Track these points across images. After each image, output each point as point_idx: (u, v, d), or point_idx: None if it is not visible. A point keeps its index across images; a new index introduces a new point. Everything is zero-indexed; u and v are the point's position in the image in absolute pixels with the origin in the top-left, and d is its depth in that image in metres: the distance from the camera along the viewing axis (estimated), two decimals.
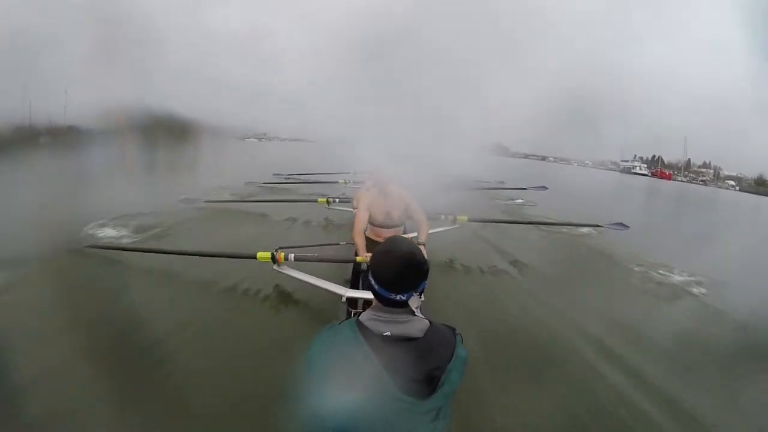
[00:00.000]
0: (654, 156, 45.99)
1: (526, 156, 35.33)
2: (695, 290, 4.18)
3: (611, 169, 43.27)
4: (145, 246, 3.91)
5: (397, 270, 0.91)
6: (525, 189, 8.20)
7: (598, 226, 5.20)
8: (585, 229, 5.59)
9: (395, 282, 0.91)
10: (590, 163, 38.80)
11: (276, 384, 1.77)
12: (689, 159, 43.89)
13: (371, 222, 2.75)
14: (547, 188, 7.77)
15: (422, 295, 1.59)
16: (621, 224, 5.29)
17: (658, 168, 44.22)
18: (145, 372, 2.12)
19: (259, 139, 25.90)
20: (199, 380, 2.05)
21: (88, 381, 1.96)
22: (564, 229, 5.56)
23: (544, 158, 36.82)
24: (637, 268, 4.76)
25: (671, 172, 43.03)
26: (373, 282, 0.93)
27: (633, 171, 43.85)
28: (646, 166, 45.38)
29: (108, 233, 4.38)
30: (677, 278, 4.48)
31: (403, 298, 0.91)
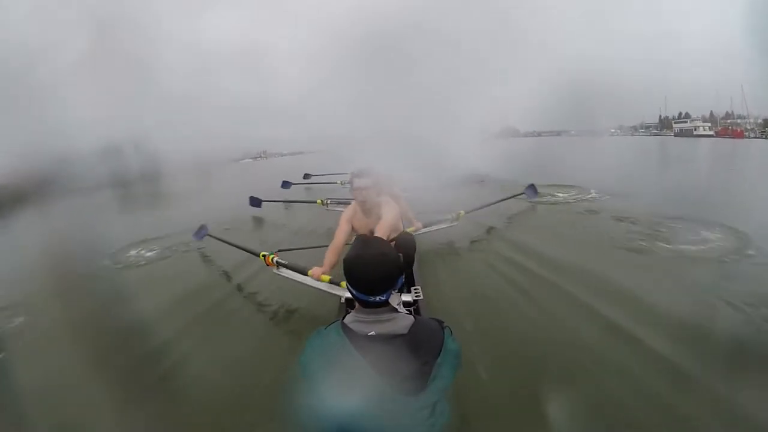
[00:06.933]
0: (680, 113, 38.82)
1: (539, 134, 32.11)
2: None
3: (656, 134, 37.18)
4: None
5: (368, 275, 0.92)
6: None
7: (521, 194, 5.79)
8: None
9: (369, 287, 0.91)
10: (618, 131, 33.66)
11: (275, 386, 1.84)
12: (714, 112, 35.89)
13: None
14: (483, 180, 8.21)
15: (419, 292, 1.87)
16: (533, 187, 5.88)
17: (726, 126, 37.06)
18: (148, 368, 2.34)
19: (255, 158, 26.68)
20: (199, 380, 2.20)
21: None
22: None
23: (559, 134, 33.00)
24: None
25: (742, 129, 35.72)
26: (349, 286, 0.95)
27: (695, 133, 37.18)
28: (710, 125, 38.37)
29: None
30: None
31: (383, 298, 0.92)
